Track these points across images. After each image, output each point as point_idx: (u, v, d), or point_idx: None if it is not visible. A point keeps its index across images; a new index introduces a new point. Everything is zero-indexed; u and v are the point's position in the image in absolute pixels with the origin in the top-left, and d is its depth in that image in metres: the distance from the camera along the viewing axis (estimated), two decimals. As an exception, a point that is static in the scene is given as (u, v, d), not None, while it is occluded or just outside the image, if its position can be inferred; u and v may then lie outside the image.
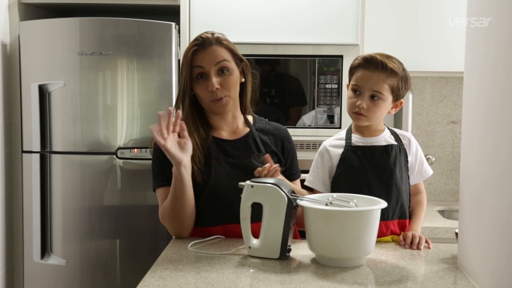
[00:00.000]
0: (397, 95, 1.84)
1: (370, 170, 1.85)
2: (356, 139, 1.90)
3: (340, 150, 1.90)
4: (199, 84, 1.83)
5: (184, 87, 1.85)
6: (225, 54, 1.84)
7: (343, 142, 1.91)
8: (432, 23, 2.79)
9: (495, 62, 1.35)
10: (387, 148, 1.87)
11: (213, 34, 1.86)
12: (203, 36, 1.85)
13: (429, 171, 1.97)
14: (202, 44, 1.83)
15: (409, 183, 1.92)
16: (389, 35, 2.80)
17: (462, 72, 1.62)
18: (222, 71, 1.83)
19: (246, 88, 1.93)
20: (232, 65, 1.85)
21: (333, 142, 1.94)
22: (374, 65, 1.80)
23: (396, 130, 1.96)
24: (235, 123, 1.92)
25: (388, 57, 1.84)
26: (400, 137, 1.93)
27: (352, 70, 1.88)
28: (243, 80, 1.90)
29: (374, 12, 2.76)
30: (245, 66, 1.90)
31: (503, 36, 1.30)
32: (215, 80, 1.80)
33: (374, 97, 1.81)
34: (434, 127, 3.15)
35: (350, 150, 1.88)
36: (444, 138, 3.16)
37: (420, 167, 1.94)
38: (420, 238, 1.75)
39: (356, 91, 1.84)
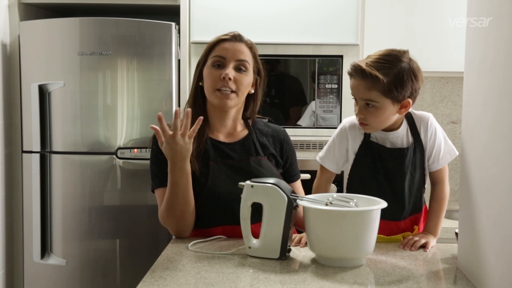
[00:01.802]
0: (395, 98, 1.72)
1: (381, 173, 1.82)
2: (375, 132, 1.84)
3: (359, 141, 1.84)
4: (212, 71, 1.83)
5: (198, 75, 1.88)
6: (249, 57, 1.86)
7: (362, 131, 1.84)
8: (432, 23, 2.79)
9: (495, 62, 1.35)
10: (402, 152, 1.81)
11: (245, 36, 1.89)
12: (235, 33, 1.88)
13: (438, 164, 1.85)
14: (232, 37, 1.86)
15: (424, 176, 1.87)
16: (389, 35, 2.80)
17: (462, 72, 1.62)
18: (240, 68, 1.84)
19: (254, 100, 1.93)
20: (250, 69, 1.86)
21: (355, 128, 1.85)
22: (358, 74, 1.74)
23: (414, 115, 1.85)
24: (233, 125, 1.93)
25: (382, 59, 1.74)
26: (417, 124, 1.84)
27: (349, 77, 1.82)
28: (252, 91, 1.90)
29: (374, 12, 2.76)
30: (259, 78, 1.91)
31: (503, 36, 1.30)
32: (231, 71, 1.81)
33: (369, 105, 1.74)
34: (434, 127, 3.15)
35: (367, 146, 1.83)
36: (444, 138, 3.16)
37: (437, 154, 1.84)
38: (417, 240, 1.74)
39: (355, 99, 1.80)
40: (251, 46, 1.89)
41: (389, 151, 1.82)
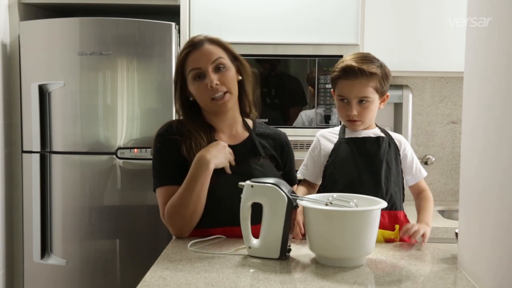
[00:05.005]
0: (382, 92, 1.90)
1: (360, 160, 1.90)
2: (348, 132, 1.96)
3: (332, 143, 1.95)
4: (197, 85, 1.83)
5: (180, 93, 1.88)
6: (219, 52, 1.85)
7: (336, 136, 1.96)
8: (432, 23, 2.79)
9: (495, 62, 1.35)
10: (378, 139, 1.91)
11: (204, 36, 1.88)
12: (194, 39, 1.87)
13: (420, 174, 1.99)
14: (194, 45, 1.85)
15: (403, 179, 1.96)
16: (389, 35, 2.80)
17: (462, 72, 1.62)
18: (219, 68, 1.83)
19: (245, 87, 1.92)
20: (227, 61, 1.86)
21: (327, 135, 1.99)
22: (353, 73, 1.85)
23: (388, 131, 2.00)
24: (234, 126, 1.92)
25: (365, 58, 1.88)
26: (392, 135, 1.98)
27: (334, 81, 1.92)
28: (240, 78, 1.90)
29: (374, 12, 2.76)
30: (240, 64, 1.90)
31: (503, 36, 1.30)
32: (213, 77, 1.81)
33: (362, 102, 1.87)
34: (434, 127, 3.15)
35: (343, 141, 1.93)
36: (444, 138, 3.16)
37: (417, 166, 1.98)
38: (417, 230, 1.77)
39: (344, 100, 1.89)
40: (215, 41, 1.87)
41: (366, 139, 1.92)
